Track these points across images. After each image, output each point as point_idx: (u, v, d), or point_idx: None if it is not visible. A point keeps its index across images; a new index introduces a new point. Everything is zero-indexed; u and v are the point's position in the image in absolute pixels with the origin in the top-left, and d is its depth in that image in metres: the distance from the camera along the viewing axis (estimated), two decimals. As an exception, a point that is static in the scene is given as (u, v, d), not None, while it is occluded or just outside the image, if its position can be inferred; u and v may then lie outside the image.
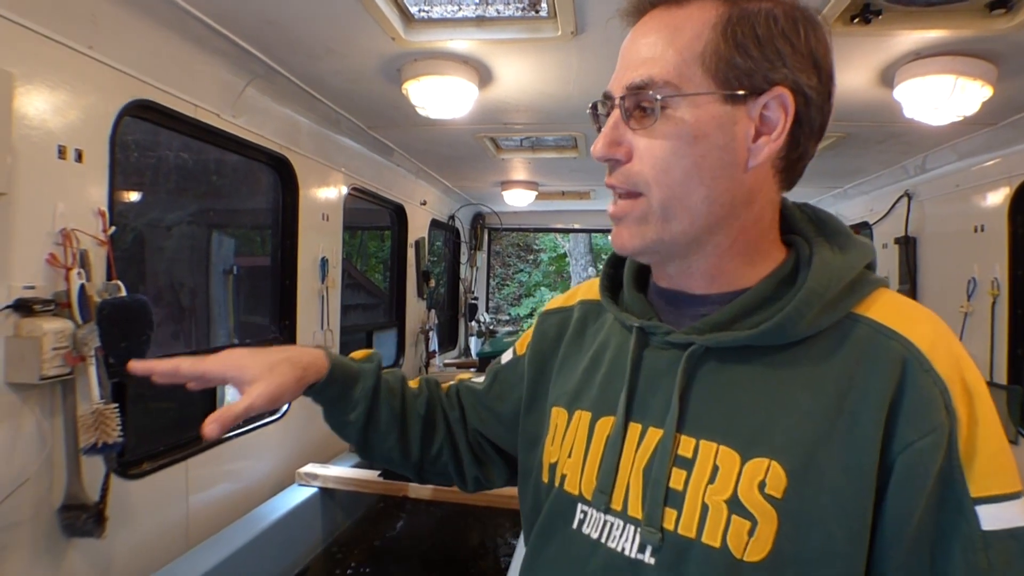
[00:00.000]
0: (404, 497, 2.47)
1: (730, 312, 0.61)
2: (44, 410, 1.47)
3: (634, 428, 0.63)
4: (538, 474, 0.72)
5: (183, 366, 0.70)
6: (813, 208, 0.68)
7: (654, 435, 0.61)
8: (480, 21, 1.88)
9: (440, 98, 2.21)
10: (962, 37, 1.80)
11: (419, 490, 2.39)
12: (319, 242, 2.88)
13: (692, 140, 0.58)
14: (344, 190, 3.13)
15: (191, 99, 1.96)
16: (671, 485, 0.58)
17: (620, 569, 0.60)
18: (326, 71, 2.19)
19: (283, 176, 2.66)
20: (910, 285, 3.59)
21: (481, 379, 0.89)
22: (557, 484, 0.68)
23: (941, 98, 2.00)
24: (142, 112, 1.82)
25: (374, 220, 6.14)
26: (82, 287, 1.49)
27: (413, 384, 0.87)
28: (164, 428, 2.37)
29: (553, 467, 0.69)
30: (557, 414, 0.72)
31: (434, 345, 4.56)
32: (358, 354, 0.84)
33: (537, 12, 1.85)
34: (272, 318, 2.75)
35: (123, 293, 1.60)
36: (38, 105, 1.44)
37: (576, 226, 6.48)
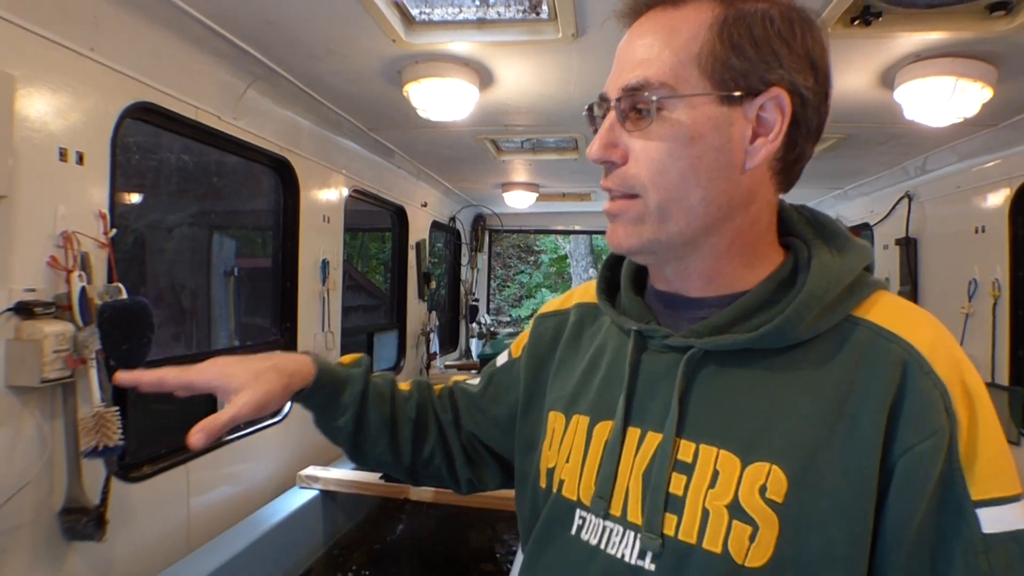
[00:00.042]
0: (405, 499, 2.47)
1: (729, 315, 0.60)
2: (45, 413, 1.47)
3: (633, 432, 0.63)
4: (535, 479, 0.71)
5: (168, 376, 0.69)
6: (811, 210, 0.67)
7: (653, 439, 0.61)
8: (481, 23, 1.89)
9: (441, 100, 2.21)
10: (962, 39, 1.80)
11: (420, 492, 2.39)
12: (320, 244, 2.88)
13: (688, 141, 0.57)
14: (345, 192, 3.13)
15: (192, 101, 1.96)
16: (671, 490, 0.58)
17: (620, 575, 0.59)
18: (327, 73, 2.19)
19: (284, 178, 2.66)
20: (911, 286, 3.58)
21: (476, 381, 0.88)
22: (555, 490, 0.67)
23: (941, 100, 2.00)
24: (143, 114, 1.82)
25: (375, 221, 6.14)
26: (83, 290, 1.49)
27: (404, 387, 0.86)
28: (165, 431, 2.37)
29: (551, 472, 0.69)
30: (554, 418, 0.71)
31: (435, 347, 4.57)
32: (346, 358, 0.83)
33: (538, 14, 1.85)
34: (273, 320, 2.75)
35: (124, 295, 1.60)
36: (39, 107, 1.45)
37: (577, 228, 6.49)
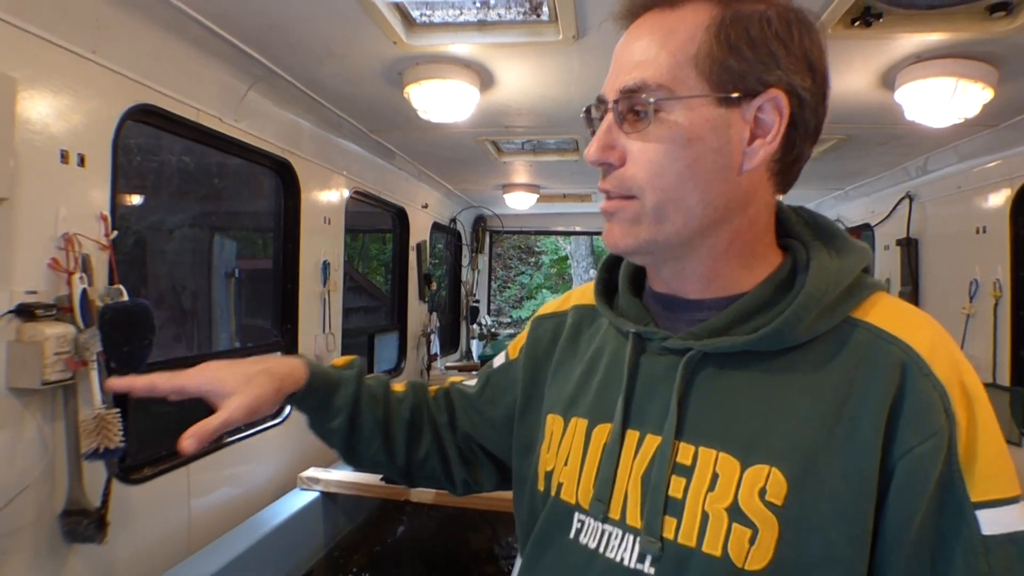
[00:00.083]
0: (406, 501, 2.47)
1: (728, 317, 0.60)
2: (46, 415, 1.47)
3: (632, 435, 0.62)
4: (534, 482, 0.71)
5: (159, 382, 0.69)
6: (809, 211, 0.67)
7: (652, 442, 0.61)
8: (481, 25, 1.89)
9: (441, 102, 2.21)
10: (962, 40, 1.80)
11: (421, 494, 2.38)
12: (321, 245, 2.89)
13: (686, 143, 0.57)
14: (346, 193, 3.14)
15: (193, 103, 1.97)
16: (670, 493, 0.58)
17: None
18: (328, 75, 2.20)
19: (285, 179, 2.67)
20: (912, 287, 3.58)
21: (473, 382, 0.88)
22: (553, 493, 0.67)
23: (942, 101, 2.00)
24: (145, 116, 1.82)
25: (376, 222, 6.15)
26: (84, 292, 1.49)
27: (399, 388, 0.86)
28: (166, 432, 2.37)
29: (549, 475, 0.68)
30: (552, 421, 0.71)
31: (436, 348, 4.56)
32: (340, 361, 0.83)
33: (538, 16, 1.85)
34: (274, 321, 2.75)
35: (125, 297, 1.60)
36: (41, 110, 1.45)
37: (577, 229, 6.48)
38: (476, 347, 5.95)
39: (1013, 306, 2.76)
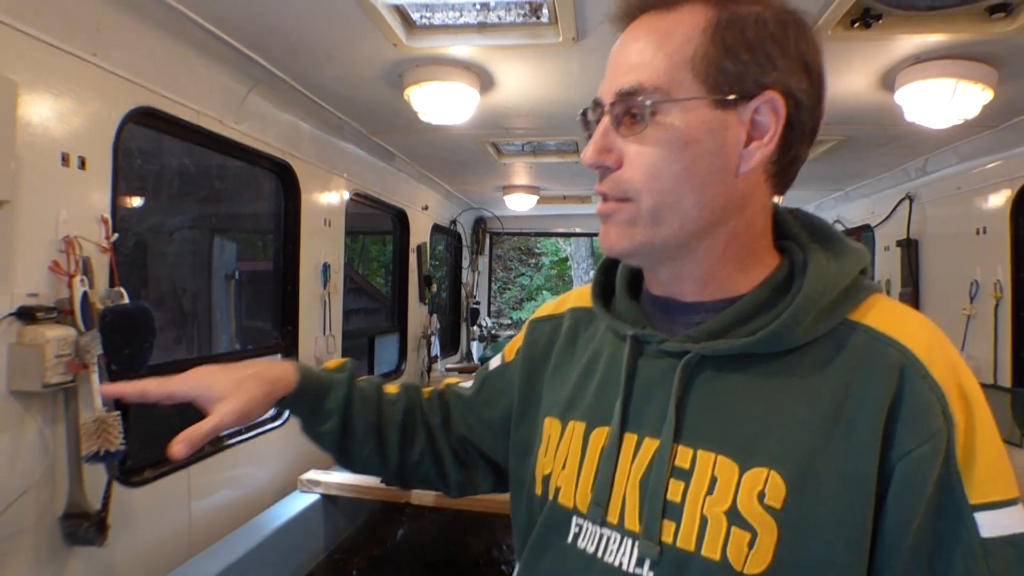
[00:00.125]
0: (406, 504, 2.47)
1: (725, 320, 0.60)
2: (46, 418, 1.47)
3: (630, 439, 0.62)
4: (531, 486, 0.71)
5: (150, 387, 0.70)
6: (806, 213, 0.67)
7: (650, 445, 0.60)
8: (481, 27, 1.89)
9: (442, 104, 2.21)
10: (962, 41, 1.80)
11: (422, 496, 2.38)
12: (321, 247, 2.89)
13: (683, 146, 0.57)
14: (346, 195, 3.14)
15: (194, 106, 1.97)
16: (669, 497, 0.58)
17: None
18: (328, 77, 2.20)
19: (285, 181, 2.67)
20: (912, 288, 3.58)
21: (468, 384, 0.88)
22: (551, 497, 0.67)
23: (942, 102, 2.00)
24: (145, 119, 1.83)
25: (376, 224, 6.15)
26: (85, 294, 1.50)
27: (392, 390, 0.85)
28: (166, 435, 2.37)
29: (547, 479, 0.68)
30: (550, 424, 0.71)
31: (436, 350, 4.56)
32: (332, 363, 0.83)
33: (538, 18, 1.85)
34: (274, 323, 2.75)
35: (126, 300, 1.60)
36: (42, 112, 1.45)
37: (577, 230, 6.48)
38: (476, 349, 5.95)
39: (1014, 307, 2.75)
